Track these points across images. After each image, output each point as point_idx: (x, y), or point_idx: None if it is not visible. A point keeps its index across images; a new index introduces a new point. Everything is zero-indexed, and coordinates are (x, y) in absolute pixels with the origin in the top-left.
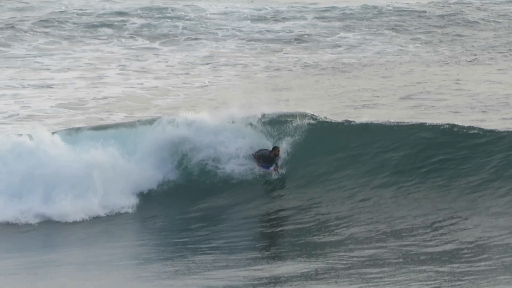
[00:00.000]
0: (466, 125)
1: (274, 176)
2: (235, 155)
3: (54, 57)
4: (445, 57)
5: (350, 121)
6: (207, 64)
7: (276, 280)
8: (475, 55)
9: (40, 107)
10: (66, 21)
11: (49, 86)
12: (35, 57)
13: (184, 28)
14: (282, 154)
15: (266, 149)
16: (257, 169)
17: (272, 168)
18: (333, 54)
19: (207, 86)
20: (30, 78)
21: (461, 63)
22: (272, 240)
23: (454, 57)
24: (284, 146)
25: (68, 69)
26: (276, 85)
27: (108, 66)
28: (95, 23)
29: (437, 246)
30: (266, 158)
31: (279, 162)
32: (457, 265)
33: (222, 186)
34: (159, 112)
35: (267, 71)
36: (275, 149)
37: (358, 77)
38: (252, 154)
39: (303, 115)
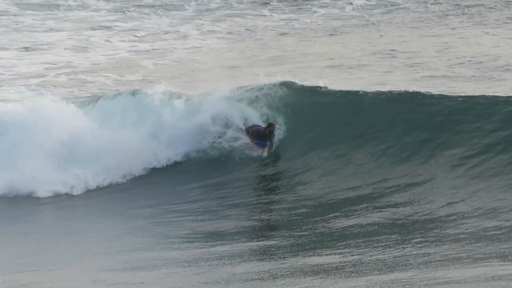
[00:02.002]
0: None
1: (264, 154)
2: (226, 128)
3: (37, 17)
4: (432, 15)
5: (342, 90)
6: (191, 22)
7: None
8: (466, 9)
9: (25, 70)
10: None
11: (35, 49)
12: (16, 15)
13: None
14: (277, 131)
15: (260, 125)
16: (250, 145)
17: (266, 146)
18: (321, 8)
19: (196, 48)
20: (16, 40)
21: (450, 22)
22: (266, 212)
23: (443, 12)
24: (279, 123)
25: (54, 30)
26: (265, 49)
27: (94, 26)
28: None
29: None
30: (260, 135)
31: (274, 140)
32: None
33: (215, 158)
34: (149, 75)
35: (254, 31)
36: (270, 125)
37: (345, 39)
38: (245, 129)
39: (294, 85)
